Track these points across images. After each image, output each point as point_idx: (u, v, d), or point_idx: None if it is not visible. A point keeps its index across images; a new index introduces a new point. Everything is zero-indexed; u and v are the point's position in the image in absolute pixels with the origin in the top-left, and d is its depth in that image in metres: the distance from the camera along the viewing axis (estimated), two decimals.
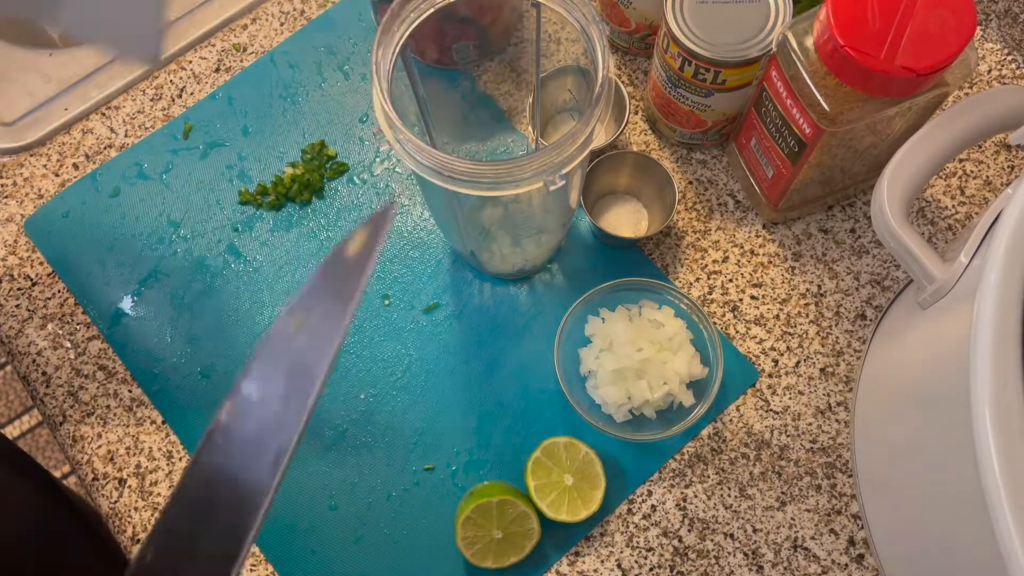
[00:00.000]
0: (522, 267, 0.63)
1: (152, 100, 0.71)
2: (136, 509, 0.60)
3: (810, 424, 0.61)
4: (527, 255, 0.61)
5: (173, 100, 0.71)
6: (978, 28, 0.71)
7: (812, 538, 0.58)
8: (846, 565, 0.57)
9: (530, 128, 0.59)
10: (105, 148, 0.70)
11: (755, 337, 0.63)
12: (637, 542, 0.58)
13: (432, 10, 0.47)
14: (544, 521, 0.56)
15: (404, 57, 0.47)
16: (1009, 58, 0.70)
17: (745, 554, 0.58)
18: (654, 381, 0.58)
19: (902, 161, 0.50)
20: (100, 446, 0.62)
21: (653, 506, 0.59)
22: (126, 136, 0.70)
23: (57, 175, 0.69)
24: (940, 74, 0.49)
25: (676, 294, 0.60)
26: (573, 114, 0.68)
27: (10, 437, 1.42)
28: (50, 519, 0.69)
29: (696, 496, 0.59)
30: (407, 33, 0.46)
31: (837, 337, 0.63)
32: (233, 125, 0.70)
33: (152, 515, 0.59)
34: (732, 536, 0.58)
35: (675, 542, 0.58)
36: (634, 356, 0.58)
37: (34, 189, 0.69)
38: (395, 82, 0.46)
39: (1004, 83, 0.69)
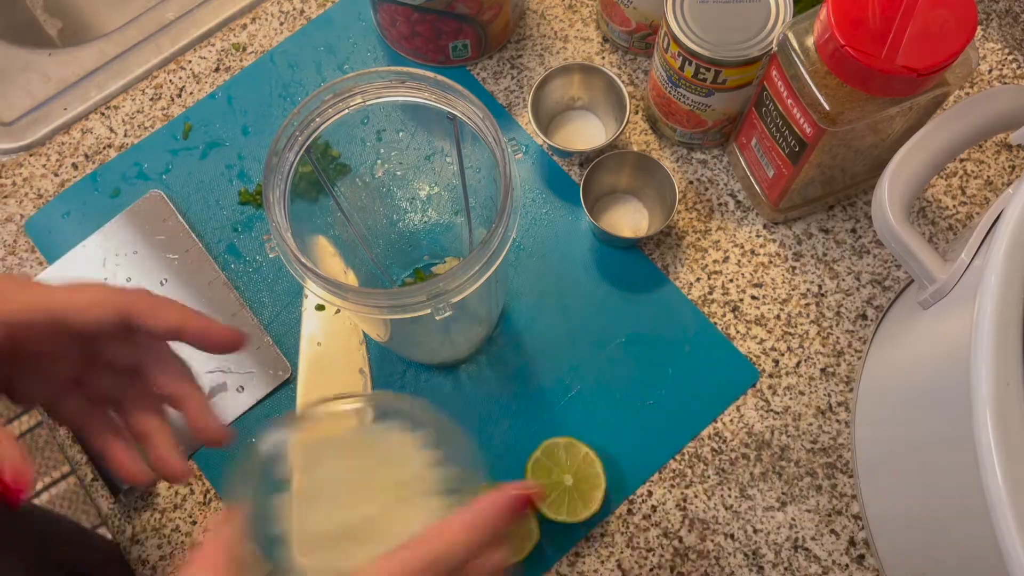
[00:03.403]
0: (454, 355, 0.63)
1: (152, 100, 0.71)
2: (136, 510, 0.60)
3: (811, 424, 0.60)
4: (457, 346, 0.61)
5: (172, 100, 0.71)
6: (979, 28, 0.71)
7: (813, 539, 0.58)
8: (847, 566, 0.57)
9: (465, 226, 0.59)
10: (105, 148, 0.70)
11: (756, 337, 0.63)
12: (637, 542, 0.58)
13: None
14: (544, 521, 0.56)
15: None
16: (1010, 58, 0.70)
17: (745, 555, 0.58)
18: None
19: (903, 161, 0.50)
20: None
21: (653, 506, 0.59)
22: (126, 136, 0.70)
23: (56, 175, 0.69)
24: (941, 74, 0.49)
25: None
26: (575, 112, 0.68)
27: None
28: None
29: (696, 496, 0.59)
30: (294, 168, 0.48)
31: (838, 337, 0.62)
32: (233, 125, 0.70)
33: (152, 515, 0.59)
34: (732, 536, 0.58)
35: (675, 542, 0.58)
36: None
37: (33, 189, 0.69)
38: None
39: (1005, 83, 0.69)
